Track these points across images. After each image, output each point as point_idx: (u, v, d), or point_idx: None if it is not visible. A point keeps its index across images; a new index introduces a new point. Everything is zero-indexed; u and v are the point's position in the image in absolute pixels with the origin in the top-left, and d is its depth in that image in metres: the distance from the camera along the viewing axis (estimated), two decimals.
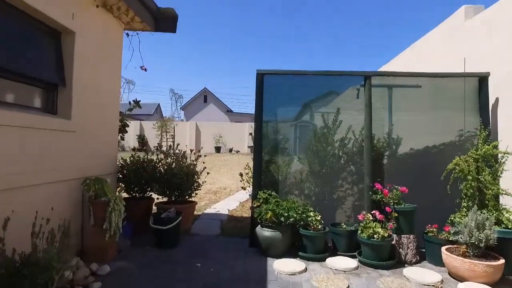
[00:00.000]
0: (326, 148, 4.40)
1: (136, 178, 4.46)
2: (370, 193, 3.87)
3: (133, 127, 23.87)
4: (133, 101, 5.16)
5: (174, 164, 4.65)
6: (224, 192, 7.78)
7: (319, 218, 3.81)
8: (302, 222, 3.78)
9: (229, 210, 5.91)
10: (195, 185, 4.74)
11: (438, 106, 4.33)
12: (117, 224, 3.38)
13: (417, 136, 4.42)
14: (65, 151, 3.29)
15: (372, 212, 3.59)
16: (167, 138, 21.82)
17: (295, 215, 3.70)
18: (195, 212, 5.55)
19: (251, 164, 5.22)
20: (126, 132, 5.09)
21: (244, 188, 5.03)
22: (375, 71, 4.25)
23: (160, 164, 4.76)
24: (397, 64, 6.88)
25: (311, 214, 3.83)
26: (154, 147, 5.11)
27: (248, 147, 22.40)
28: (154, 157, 4.84)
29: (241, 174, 4.92)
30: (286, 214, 3.65)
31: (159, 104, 44.34)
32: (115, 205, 3.37)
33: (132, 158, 4.75)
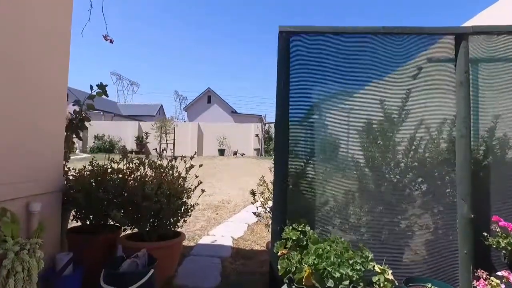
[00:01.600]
0: (385, 153, 2.81)
1: (89, 201, 2.87)
2: (486, 235, 2.24)
3: (131, 128, 22.49)
4: (97, 85, 3.59)
5: (151, 178, 3.05)
6: (228, 208, 6.15)
7: (390, 276, 2.19)
8: (361, 284, 2.17)
9: (233, 239, 4.27)
10: (183, 208, 3.15)
11: None
12: None
13: None
14: None
15: (502, 275, 1.95)
16: (166, 140, 20.30)
17: (350, 273, 2.08)
18: (186, 243, 3.96)
19: (266, 176, 3.64)
20: (86, 128, 3.52)
21: (257, 214, 3.41)
22: (477, 26, 2.61)
23: (132, 177, 3.17)
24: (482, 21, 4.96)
25: (377, 268, 2.21)
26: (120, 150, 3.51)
27: (254, 149, 20.83)
28: (123, 165, 3.25)
29: (253, 193, 3.28)
30: (337, 275, 2.04)
31: (162, 105, 43.05)
32: (18, 263, 1.78)
33: (91, 168, 3.18)
